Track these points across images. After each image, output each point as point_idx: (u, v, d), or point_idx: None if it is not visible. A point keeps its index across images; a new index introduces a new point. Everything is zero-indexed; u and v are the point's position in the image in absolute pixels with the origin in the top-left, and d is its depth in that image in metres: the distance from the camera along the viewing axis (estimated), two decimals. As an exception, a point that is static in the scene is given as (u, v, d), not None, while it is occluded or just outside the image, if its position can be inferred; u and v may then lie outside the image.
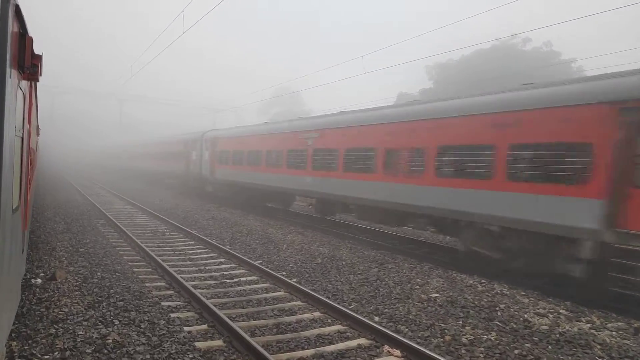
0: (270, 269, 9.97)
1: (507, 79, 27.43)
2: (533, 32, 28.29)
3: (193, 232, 14.21)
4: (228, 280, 9.15)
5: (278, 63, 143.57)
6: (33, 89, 6.61)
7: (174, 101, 57.33)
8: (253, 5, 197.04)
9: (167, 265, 9.73)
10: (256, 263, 10.35)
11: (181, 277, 8.86)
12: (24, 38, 3.62)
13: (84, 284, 8.30)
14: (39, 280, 8.53)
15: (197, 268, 10.09)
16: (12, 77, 3.15)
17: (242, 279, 9.32)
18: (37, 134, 12.10)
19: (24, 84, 4.31)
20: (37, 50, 3.99)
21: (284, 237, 14.02)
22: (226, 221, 17.24)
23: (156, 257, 10.23)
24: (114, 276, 8.91)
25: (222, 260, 10.94)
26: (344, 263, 10.64)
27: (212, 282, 9.03)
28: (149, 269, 9.76)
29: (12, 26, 3.10)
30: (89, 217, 17.22)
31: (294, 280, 9.14)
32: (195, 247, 12.57)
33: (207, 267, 10.13)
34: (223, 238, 13.86)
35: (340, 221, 17.45)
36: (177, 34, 20.94)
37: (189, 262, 10.58)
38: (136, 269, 9.67)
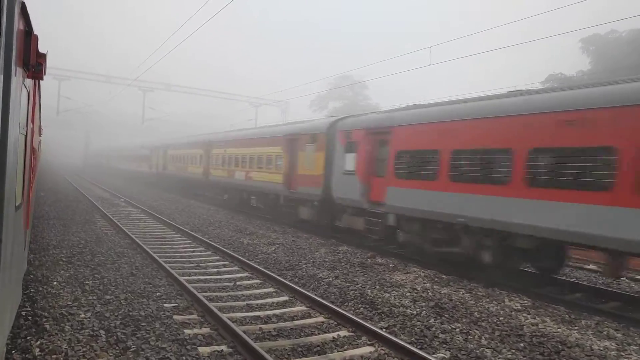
0: None
1: None
2: None
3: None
4: None
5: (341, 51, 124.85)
6: (37, 88, 6.27)
7: (210, 92, 47.13)
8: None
9: None
10: None
11: None
12: (29, 36, 3.62)
13: None
14: None
15: None
16: (17, 75, 3.18)
17: None
18: (40, 134, 11.83)
19: (29, 82, 4.25)
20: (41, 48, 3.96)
21: None
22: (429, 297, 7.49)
23: None
24: None
25: None
26: None
27: None
28: None
29: (17, 24, 3.10)
30: (157, 300, 7.47)
31: None
32: None
33: None
34: None
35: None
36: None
37: None
38: None
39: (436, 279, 9.64)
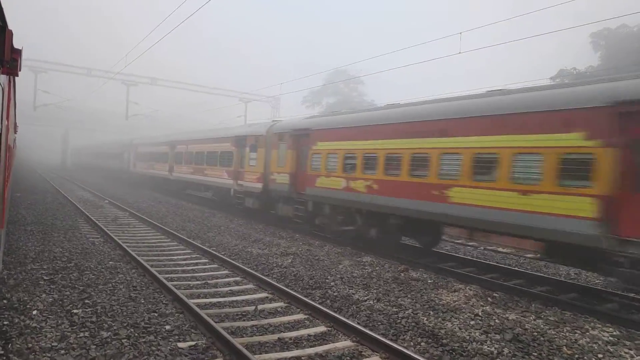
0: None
1: None
2: None
3: None
4: None
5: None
6: (11, 84, 6.07)
7: (197, 87, 44.89)
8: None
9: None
10: None
11: None
12: (3, 32, 3.45)
13: None
14: None
15: None
16: None
17: None
18: (15, 132, 11.30)
19: (3, 78, 4.09)
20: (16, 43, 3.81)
21: None
22: None
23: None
24: None
25: None
26: None
27: None
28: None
29: None
30: (167, 337, 5.90)
31: None
32: None
33: None
34: None
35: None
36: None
37: None
38: None
39: (489, 299, 8.24)
